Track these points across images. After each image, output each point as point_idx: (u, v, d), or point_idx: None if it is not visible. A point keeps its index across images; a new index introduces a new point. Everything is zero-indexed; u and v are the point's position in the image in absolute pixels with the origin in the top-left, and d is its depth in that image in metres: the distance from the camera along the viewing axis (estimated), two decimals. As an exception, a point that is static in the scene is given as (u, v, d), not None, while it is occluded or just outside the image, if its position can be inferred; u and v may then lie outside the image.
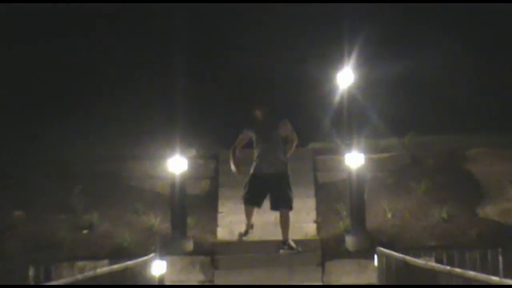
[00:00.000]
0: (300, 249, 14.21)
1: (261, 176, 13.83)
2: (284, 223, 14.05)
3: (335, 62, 15.81)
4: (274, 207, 14.01)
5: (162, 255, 13.47)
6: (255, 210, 14.16)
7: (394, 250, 12.16)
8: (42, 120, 18.46)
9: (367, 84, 16.01)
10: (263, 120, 14.02)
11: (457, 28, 19.71)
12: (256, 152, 14.00)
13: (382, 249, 12.89)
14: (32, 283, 12.40)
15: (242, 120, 15.47)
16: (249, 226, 14.22)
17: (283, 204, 13.94)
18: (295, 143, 14.39)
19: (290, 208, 14.04)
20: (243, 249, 14.85)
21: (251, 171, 14.00)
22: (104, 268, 11.41)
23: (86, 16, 20.20)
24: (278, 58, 19.61)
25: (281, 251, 14.18)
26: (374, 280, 13.67)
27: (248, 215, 14.15)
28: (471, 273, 7.72)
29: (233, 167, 14.06)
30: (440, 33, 19.34)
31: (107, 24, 20.29)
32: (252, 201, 13.98)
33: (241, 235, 14.26)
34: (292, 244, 14.05)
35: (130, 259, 12.16)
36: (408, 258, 10.88)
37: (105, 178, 16.99)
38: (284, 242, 14.04)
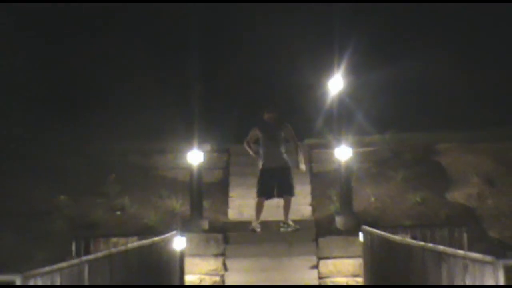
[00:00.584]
0: (297, 226, 14.55)
1: (268, 169, 14.34)
2: (286, 207, 14.55)
3: (327, 70, 15.74)
4: (279, 194, 14.47)
5: (182, 233, 13.39)
6: (265, 203, 14.51)
7: (376, 229, 12.26)
8: (80, 118, 18.22)
9: (354, 88, 15.84)
10: (270, 123, 14.53)
11: (430, 38, 19.43)
12: (262, 150, 14.47)
13: (366, 227, 13.02)
14: (74, 256, 12.29)
15: (251, 120, 15.72)
16: (257, 222, 14.55)
17: (287, 192, 14.48)
18: (297, 145, 14.95)
19: (292, 195, 14.52)
20: (251, 226, 14.83)
21: (260, 167, 14.49)
22: (134, 243, 11.44)
23: (111, 18, 19.83)
24: (280, 67, 19.48)
25: (281, 229, 14.57)
26: (359, 253, 13.69)
27: (259, 208, 14.54)
28: (441, 248, 7.74)
29: (251, 153, 14.68)
30: (415, 43, 19.14)
31: (130, 27, 19.95)
32: (264, 192, 14.45)
33: (252, 228, 14.59)
34: (291, 223, 14.48)
35: (155, 236, 12.20)
36: (388, 235, 10.98)
37: (134, 168, 16.99)
38: (284, 222, 14.52)
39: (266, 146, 14.48)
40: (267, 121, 14.75)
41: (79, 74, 19.07)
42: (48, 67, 18.91)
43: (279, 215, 14.80)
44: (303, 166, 14.90)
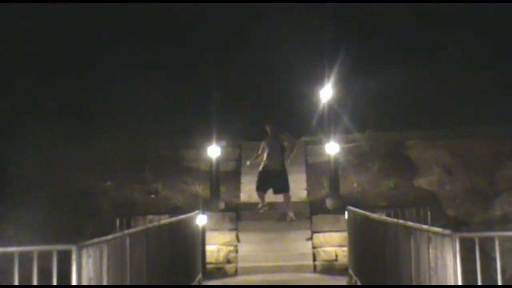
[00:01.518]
0: (295, 219, 14.53)
1: (267, 171, 14.41)
2: (287, 202, 14.56)
3: (319, 81, 15.77)
4: (277, 192, 14.60)
5: (203, 211, 13.57)
6: (265, 194, 14.62)
7: (358, 208, 12.21)
8: (121, 119, 17.99)
9: (341, 96, 15.86)
10: (270, 134, 14.62)
11: (401, 55, 19.34)
12: (264, 155, 14.51)
13: (350, 207, 12.97)
14: (118, 230, 12.28)
15: (258, 122, 15.76)
16: (263, 204, 14.62)
17: (284, 189, 14.53)
18: (295, 148, 14.90)
19: (288, 191, 14.57)
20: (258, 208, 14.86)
21: (260, 169, 14.56)
22: (165, 220, 11.49)
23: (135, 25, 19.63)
24: (282, 79, 19.46)
25: (287, 219, 14.55)
26: (344, 228, 13.66)
27: (261, 197, 14.65)
28: (409, 223, 7.69)
29: (248, 163, 14.87)
30: (390, 59, 18.96)
31: (158, 41, 19.73)
32: (261, 188, 14.55)
33: (258, 209, 14.62)
34: (292, 216, 14.45)
35: (182, 214, 12.25)
36: (367, 213, 10.93)
37: (165, 160, 16.92)
38: (287, 215, 14.50)
39: (267, 152, 14.55)
40: (268, 133, 14.87)
41: (123, 84, 18.90)
42: (91, 75, 18.80)
43: (280, 198, 14.84)
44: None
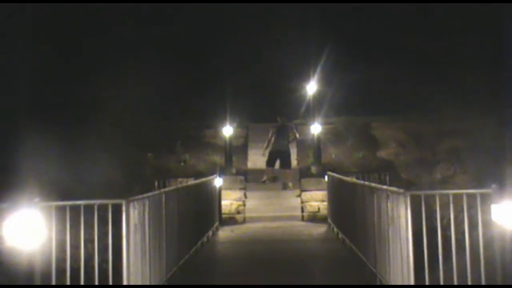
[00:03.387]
0: (292, 188, 14.38)
1: (276, 152, 14.18)
2: (288, 175, 14.35)
3: (306, 77, 15.95)
4: (283, 167, 14.36)
5: (220, 175, 13.55)
6: (273, 168, 14.38)
7: (335, 173, 12.21)
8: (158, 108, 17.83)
9: (323, 89, 15.98)
10: (280, 124, 14.36)
11: (371, 53, 19.24)
12: (274, 140, 14.25)
13: (329, 172, 12.95)
14: (156, 189, 12.20)
15: (261, 109, 15.70)
16: (267, 177, 14.44)
17: (287, 166, 14.33)
18: (296, 138, 14.89)
19: (290, 168, 14.44)
20: (261, 173, 14.86)
21: (271, 149, 14.30)
22: (192, 181, 11.58)
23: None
24: (279, 75, 19.18)
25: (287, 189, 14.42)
26: (325, 188, 13.57)
27: (267, 173, 14.43)
28: (373, 184, 7.71)
29: (263, 153, 14.52)
30: (361, 56, 18.79)
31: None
32: (270, 164, 14.32)
33: (262, 181, 14.46)
34: (291, 186, 14.35)
35: (204, 177, 12.31)
36: (342, 177, 10.94)
37: (192, 137, 16.84)
38: (286, 184, 14.39)
39: (276, 138, 14.33)
40: (279, 123, 14.60)
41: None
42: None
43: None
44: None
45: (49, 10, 16.25)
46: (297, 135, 14.97)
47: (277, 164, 14.58)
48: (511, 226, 4.74)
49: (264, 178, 14.53)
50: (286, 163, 14.36)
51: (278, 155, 14.28)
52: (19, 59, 13.86)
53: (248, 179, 14.82)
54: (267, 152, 14.50)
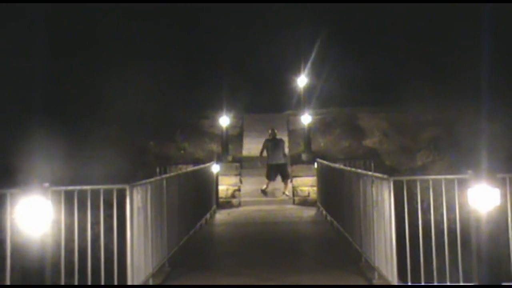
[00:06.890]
0: (289, 196, 13.76)
1: (273, 165, 13.46)
2: (286, 185, 13.74)
3: (297, 71, 15.94)
4: (282, 180, 13.64)
5: (217, 162, 13.48)
6: (274, 180, 13.70)
7: (324, 160, 12.20)
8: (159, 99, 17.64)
9: (312, 82, 15.99)
10: (273, 137, 13.61)
11: (355, 48, 19.05)
12: (270, 152, 13.51)
13: (318, 159, 12.90)
14: (158, 175, 12.10)
15: (254, 101, 15.59)
16: (267, 188, 13.73)
17: (286, 178, 13.62)
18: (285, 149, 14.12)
19: (289, 178, 13.74)
20: (255, 161, 14.55)
21: (267, 163, 13.53)
22: (191, 168, 11.44)
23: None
24: (273, 69, 19.19)
25: (282, 196, 13.75)
26: (314, 173, 13.46)
27: (269, 184, 13.70)
28: (359, 170, 7.62)
29: (259, 163, 13.78)
30: (347, 52, 18.69)
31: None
32: (270, 178, 13.59)
33: (262, 191, 13.74)
34: (288, 193, 13.74)
35: (203, 164, 12.25)
36: (330, 163, 10.91)
37: (191, 126, 16.82)
38: (284, 193, 13.81)
39: (272, 150, 13.55)
40: (272, 136, 13.68)
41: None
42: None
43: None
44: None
45: (51, 6, 15.94)
46: (286, 152, 14.35)
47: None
48: (485, 209, 4.78)
49: (265, 187, 13.82)
50: (286, 175, 13.75)
51: (278, 168, 13.62)
52: (25, 58, 13.82)
53: (243, 166, 14.77)
54: (264, 164, 13.76)
